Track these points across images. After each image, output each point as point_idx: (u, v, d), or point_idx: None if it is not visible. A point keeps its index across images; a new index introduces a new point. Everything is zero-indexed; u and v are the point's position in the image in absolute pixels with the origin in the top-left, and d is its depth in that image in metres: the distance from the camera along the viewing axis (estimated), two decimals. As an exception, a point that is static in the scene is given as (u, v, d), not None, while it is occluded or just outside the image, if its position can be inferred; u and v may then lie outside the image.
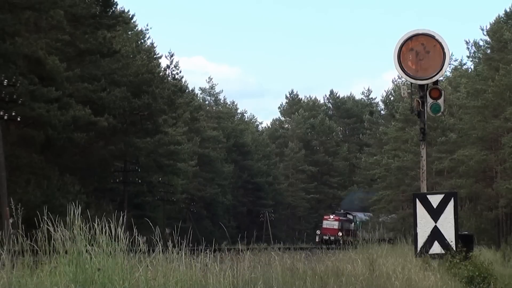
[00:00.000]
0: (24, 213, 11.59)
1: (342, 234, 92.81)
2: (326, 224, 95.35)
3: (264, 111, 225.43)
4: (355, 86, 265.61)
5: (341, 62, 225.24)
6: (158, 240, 11.49)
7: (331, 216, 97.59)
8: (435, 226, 23.00)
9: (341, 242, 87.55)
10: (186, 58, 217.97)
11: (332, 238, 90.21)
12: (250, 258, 13.65)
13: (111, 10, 57.74)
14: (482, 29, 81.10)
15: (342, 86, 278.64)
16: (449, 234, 22.93)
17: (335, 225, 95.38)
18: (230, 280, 11.80)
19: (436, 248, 22.94)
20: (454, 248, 22.72)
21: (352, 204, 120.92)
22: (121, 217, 10.85)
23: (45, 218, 10.55)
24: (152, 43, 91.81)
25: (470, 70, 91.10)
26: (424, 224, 23.08)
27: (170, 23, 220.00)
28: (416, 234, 23.20)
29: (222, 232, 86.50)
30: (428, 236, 22.98)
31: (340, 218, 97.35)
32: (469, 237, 24.22)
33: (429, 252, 22.84)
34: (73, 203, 10.75)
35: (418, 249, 23.02)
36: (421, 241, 23.09)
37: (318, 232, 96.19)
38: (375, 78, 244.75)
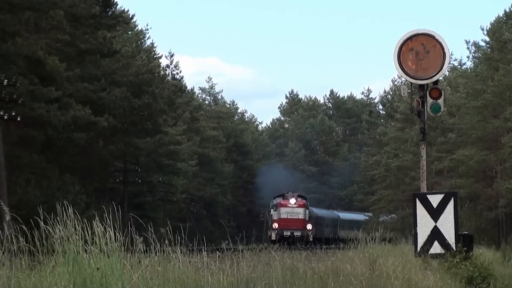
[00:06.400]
0: (24, 213, 11.60)
1: (312, 228, 68.30)
2: (285, 212, 67.43)
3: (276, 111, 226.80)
4: (355, 86, 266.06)
5: (341, 62, 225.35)
6: (154, 239, 11.49)
7: (292, 201, 68.36)
8: (435, 226, 23.01)
9: (311, 239, 64.32)
10: (200, 59, 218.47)
11: (297, 234, 64.93)
12: (250, 258, 13.66)
13: (111, 10, 57.73)
14: (482, 29, 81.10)
15: (342, 86, 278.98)
16: (449, 234, 22.94)
17: (300, 213, 67.43)
18: (230, 279, 11.80)
19: (436, 248, 22.95)
20: (454, 248, 22.73)
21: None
22: (120, 217, 10.86)
23: (46, 218, 10.56)
24: (152, 43, 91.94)
25: (469, 70, 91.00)
26: (424, 224, 23.09)
27: (179, 24, 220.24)
28: (416, 234, 23.21)
29: (222, 232, 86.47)
30: (428, 236, 23.00)
31: (306, 203, 69.70)
32: (469, 237, 24.23)
33: (429, 252, 22.85)
34: (73, 203, 10.76)
35: (418, 249, 23.03)
36: (421, 241, 23.10)
37: (275, 226, 67.25)
38: (375, 78, 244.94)
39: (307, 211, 69.33)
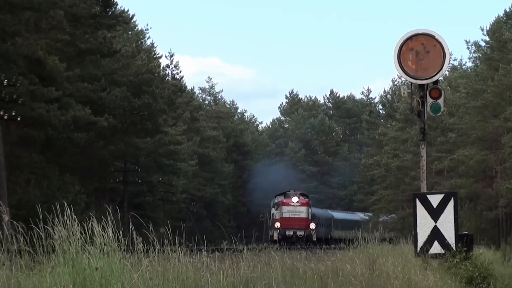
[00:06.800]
0: (24, 213, 11.60)
1: (316, 227, 66.67)
2: (287, 211, 65.33)
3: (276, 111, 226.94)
4: (355, 86, 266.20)
5: (341, 62, 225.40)
6: (153, 239, 11.49)
7: (295, 199, 66.33)
8: (435, 226, 23.00)
9: (315, 239, 63.39)
10: (201, 59, 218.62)
11: (300, 234, 63.11)
12: (250, 258, 13.65)
13: (111, 10, 57.71)
14: (482, 29, 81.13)
15: (342, 86, 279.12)
16: (449, 234, 22.93)
17: (303, 212, 65.66)
18: (230, 280, 11.79)
19: (436, 248, 22.94)
20: (454, 248, 22.72)
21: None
22: (120, 217, 10.86)
23: (46, 218, 10.55)
24: (152, 43, 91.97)
25: (469, 70, 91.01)
26: (424, 224, 23.08)
27: (180, 24, 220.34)
28: (416, 234, 23.20)
29: (222, 232, 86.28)
30: (428, 236, 22.99)
31: (309, 201, 68.24)
32: (469, 237, 24.21)
33: (429, 252, 22.84)
34: (73, 203, 10.77)
35: (418, 249, 23.01)
36: (421, 241, 23.09)
37: (277, 225, 64.82)
38: (375, 78, 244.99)
39: (310, 209, 67.11)
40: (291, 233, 62.95)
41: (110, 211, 10.90)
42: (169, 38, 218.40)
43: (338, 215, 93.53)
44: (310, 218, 65.77)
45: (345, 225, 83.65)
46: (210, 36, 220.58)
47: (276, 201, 69.61)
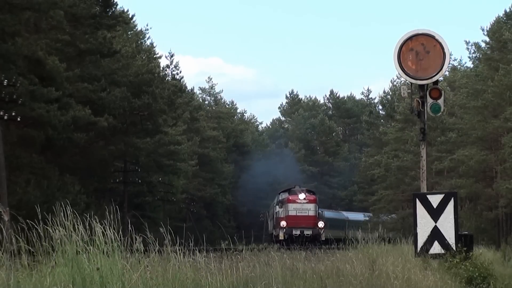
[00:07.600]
0: (24, 213, 11.59)
1: (325, 226, 62.52)
2: (293, 209, 61.20)
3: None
4: (355, 86, 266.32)
5: (341, 62, 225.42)
6: (153, 240, 11.49)
7: (301, 196, 62.17)
8: (435, 226, 23.00)
9: (323, 238, 59.04)
10: (203, 59, 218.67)
11: (307, 233, 59.36)
12: (250, 258, 13.66)
13: (111, 10, 57.68)
14: (483, 29, 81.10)
15: (342, 86, 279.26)
16: (449, 234, 22.94)
17: (311, 209, 61.87)
18: (230, 280, 11.80)
19: (436, 248, 22.95)
20: (454, 248, 22.73)
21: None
22: (120, 217, 10.86)
23: (46, 218, 10.55)
24: (152, 43, 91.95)
25: (469, 70, 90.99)
26: (424, 224, 23.08)
27: (182, 25, 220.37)
28: (416, 234, 23.20)
29: (222, 232, 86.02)
30: (428, 236, 23.00)
31: (316, 198, 64.58)
32: (469, 237, 24.21)
33: (429, 252, 22.85)
34: (73, 203, 10.76)
35: (418, 249, 23.02)
36: (421, 241, 23.10)
37: (283, 224, 60.54)
38: (375, 78, 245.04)
39: (318, 207, 63.80)
40: (298, 232, 59.59)
41: (113, 211, 10.89)
42: (170, 38, 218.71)
43: (328, 214, 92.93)
44: (318, 216, 62.46)
45: (333, 224, 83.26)
46: (211, 36, 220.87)
47: (280, 198, 66.47)
